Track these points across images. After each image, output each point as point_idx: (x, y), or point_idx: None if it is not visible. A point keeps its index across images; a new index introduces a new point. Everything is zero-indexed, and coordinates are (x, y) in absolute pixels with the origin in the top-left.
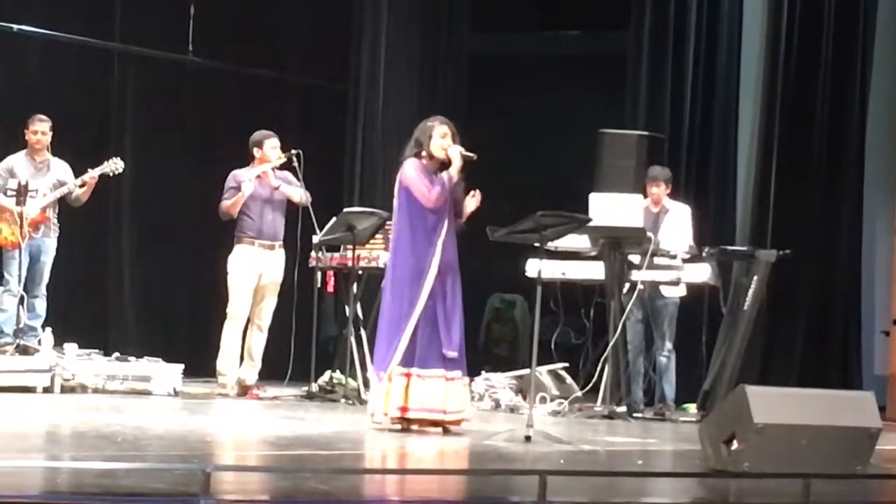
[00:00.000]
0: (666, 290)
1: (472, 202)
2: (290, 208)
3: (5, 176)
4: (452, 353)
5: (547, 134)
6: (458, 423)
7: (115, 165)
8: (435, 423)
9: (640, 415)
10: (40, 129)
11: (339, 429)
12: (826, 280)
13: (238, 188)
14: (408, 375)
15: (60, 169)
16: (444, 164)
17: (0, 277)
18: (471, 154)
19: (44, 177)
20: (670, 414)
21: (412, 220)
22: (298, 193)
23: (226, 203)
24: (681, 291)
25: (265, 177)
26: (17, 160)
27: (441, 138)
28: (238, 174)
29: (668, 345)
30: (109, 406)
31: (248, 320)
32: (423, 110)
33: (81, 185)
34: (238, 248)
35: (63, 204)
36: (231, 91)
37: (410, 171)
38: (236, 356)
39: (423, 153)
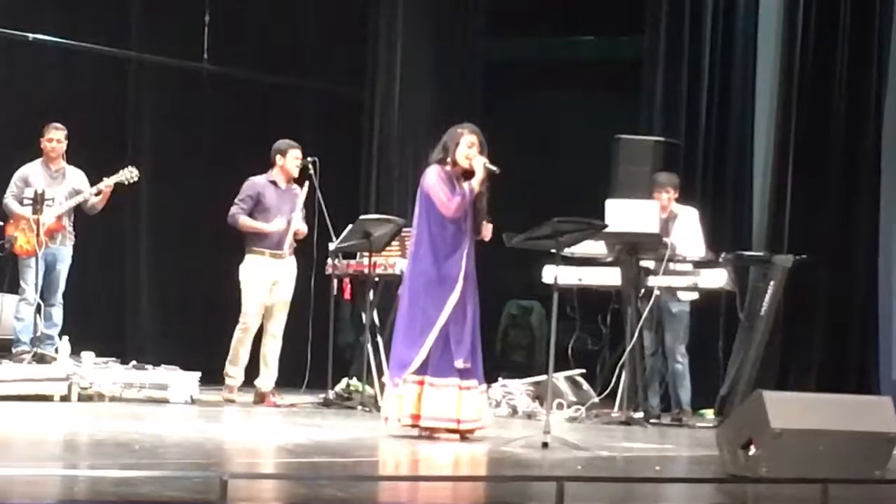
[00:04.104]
0: (680, 296)
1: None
2: (305, 216)
3: (21, 185)
4: (461, 364)
5: (562, 139)
6: (474, 431)
7: (130, 174)
8: (449, 432)
9: (657, 420)
10: (56, 137)
11: (356, 436)
12: (843, 285)
13: (255, 199)
14: (420, 383)
15: (76, 177)
16: (468, 173)
17: (16, 286)
18: (494, 167)
19: (59, 185)
20: (687, 419)
21: (431, 228)
22: (305, 228)
23: (245, 221)
24: (692, 296)
25: (299, 233)
26: (33, 169)
27: (468, 147)
28: (256, 182)
29: (682, 349)
30: (127, 414)
31: (262, 329)
32: (438, 116)
33: (97, 194)
34: (250, 258)
35: (79, 212)
36: (247, 98)
37: (431, 179)
38: (245, 363)
39: (448, 159)
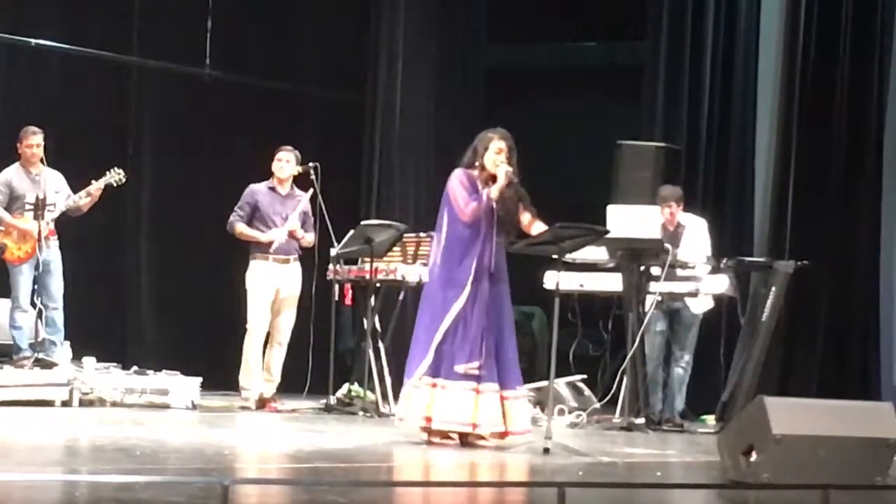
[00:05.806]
0: (691, 304)
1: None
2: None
3: (5, 191)
4: (461, 369)
5: (564, 145)
6: (500, 436)
7: (117, 176)
8: (463, 436)
9: (658, 426)
10: (36, 141)
11: (358, 442)
12: (844, 290)
13: (252, 206)
14: (434, 386)
15: (56, 179)
16: (495, 178)
17: (8, 294)
18: (513, 176)
19: (41, 188)
20: (687, 425)
21: (449, 230)
22: (311, 238)
23: (241, 229)
24: (706, 305)
25: (294, 233)
26: (14, 173)
27: (496, 153)
28: (254, 189)
29: (687, 357)
30: (128, 419)
31: (268, 335)
32: (440, 122)
33: (86, 196)
34: (253, 264)
35: (61, 214)
36: (248, 104)
37: (454, 182)
38: (258, 370)
39: (476, 163)
